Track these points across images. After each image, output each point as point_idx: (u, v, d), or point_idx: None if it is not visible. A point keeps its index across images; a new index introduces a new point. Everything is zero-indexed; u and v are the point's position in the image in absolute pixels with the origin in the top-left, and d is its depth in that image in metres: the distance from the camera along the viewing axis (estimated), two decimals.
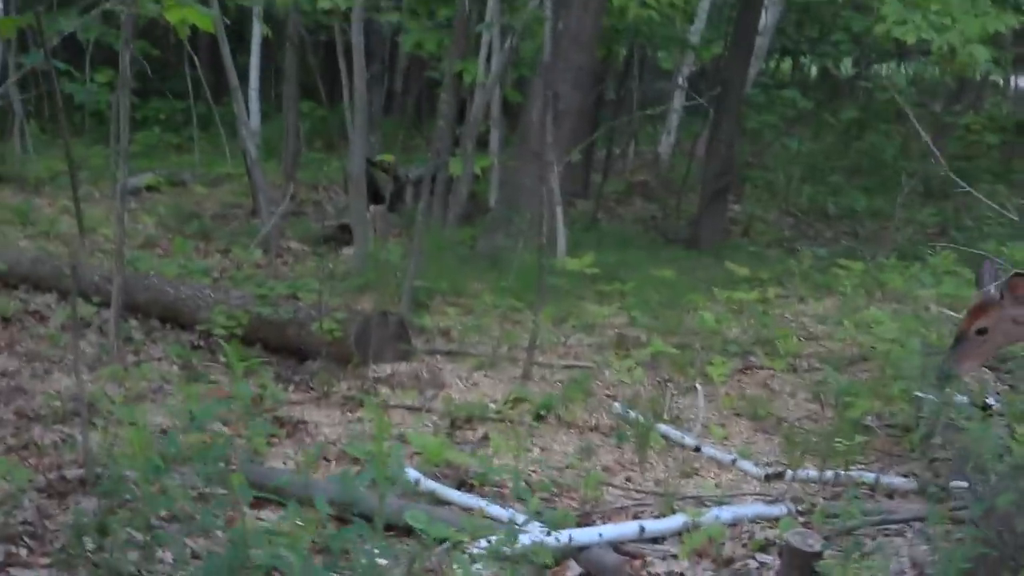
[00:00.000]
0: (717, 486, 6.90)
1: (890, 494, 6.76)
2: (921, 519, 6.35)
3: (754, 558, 5.83)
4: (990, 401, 7.48)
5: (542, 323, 8.79)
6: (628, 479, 7.01)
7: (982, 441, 5.06)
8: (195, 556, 5.29)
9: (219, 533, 4.89)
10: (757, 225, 17.20)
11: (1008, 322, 6.51)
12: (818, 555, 5.35)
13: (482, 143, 14.63)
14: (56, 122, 14.38)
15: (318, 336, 8.34)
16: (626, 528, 6.03)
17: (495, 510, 6.00)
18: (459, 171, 13.15)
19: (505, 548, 4.81)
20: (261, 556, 4.61)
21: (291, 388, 8.07)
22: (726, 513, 6.27)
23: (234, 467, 5.62)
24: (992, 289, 6.60)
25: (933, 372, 6.88)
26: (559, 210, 12.05)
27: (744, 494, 6.75)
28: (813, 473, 6.94)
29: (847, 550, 5.14)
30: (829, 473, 6.87)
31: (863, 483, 6.82)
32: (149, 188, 16.07)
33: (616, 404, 8.04)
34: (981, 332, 6.51)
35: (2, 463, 5.91)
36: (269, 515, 5.78)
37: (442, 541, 5.12)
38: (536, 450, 7.23)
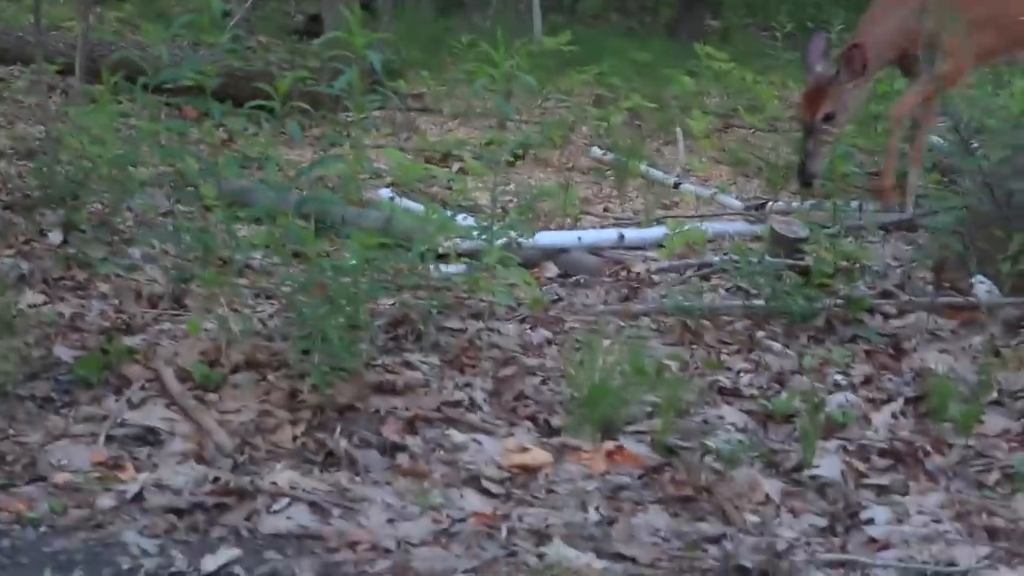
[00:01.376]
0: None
1: None
2: (906, 226, 6.28)
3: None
4: None
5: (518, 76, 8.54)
6: (606, 209, 6.88)
7: (978, 101, 4.93)
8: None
9: (187, 237, 4.68)
10: (736, 35, 16.92)
11: (848, 97, 6.32)
12: (802, 239, 5.26)
13: None
14: None
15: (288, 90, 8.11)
16: (605, 234, 5.92)
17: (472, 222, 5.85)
18: None
19: (478, 242, 4.64)
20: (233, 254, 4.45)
21: (261, 133, 7.87)
22: (708, 227, 6.16)
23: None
24: (820, 68, 6.37)
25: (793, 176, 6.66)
26: None
27: (725, 216, 6.65)
28: (795, 204, 6.81)
29: (831, 235, 5.04)
30: (811, 202, 6.72)
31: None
32: None
33: (594, 148, 7.89)
34: (828, 118, 6.30)
35: None
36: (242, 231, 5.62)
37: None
38: (513, 185, 7.08)
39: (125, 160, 5.36)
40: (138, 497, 3.11)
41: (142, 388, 3.75)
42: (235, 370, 3.89)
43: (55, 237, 5.26)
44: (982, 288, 4.86)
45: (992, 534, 3.24)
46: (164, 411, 3.60)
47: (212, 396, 3.75)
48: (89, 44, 8.50)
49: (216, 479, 3.21)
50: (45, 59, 8.52)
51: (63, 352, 3.93)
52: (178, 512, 3.05)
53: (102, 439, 3.41)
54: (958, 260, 5.03)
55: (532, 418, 3.81)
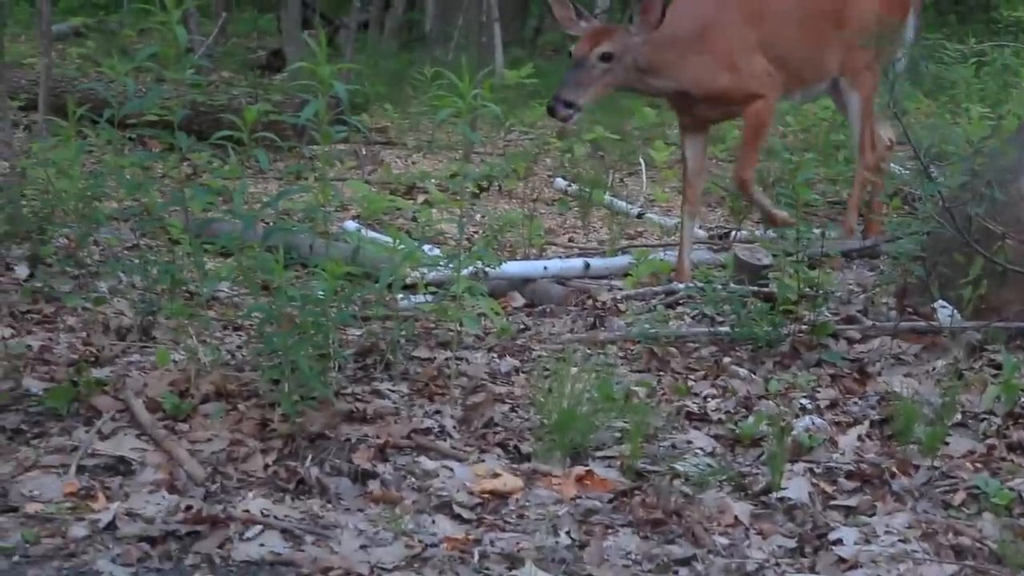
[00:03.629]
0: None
1: None
2: (867, 253, 6.33)
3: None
4: None
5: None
6: (571, 239, 6.92)
7: (937, 129, 4.98)
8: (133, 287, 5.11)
9: (154, 270, 4.69)
10: None
11: (636, 53, 5.79)
12: (766, 267, 5.31)
13: None
14: None
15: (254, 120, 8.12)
16: (571, 263, 5.95)
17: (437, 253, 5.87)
18: None
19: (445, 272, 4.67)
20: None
21: (227, 167, 7.87)
22: (672, 255, 6.20)
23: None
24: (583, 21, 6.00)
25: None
26: (496, 26, 11.87)
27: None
28: (759, 233, 6.85)
29: (794, 265, 5.07)
30: (774, 232, 6.77)
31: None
32: (78, 34, 15.65)
33: (558, 179, 7.94)
34: (605, 58, 5.76)
35: None
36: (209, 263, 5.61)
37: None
38: (478, 216, 7.12)
39: (90, 194, 5.34)
40: (110, 526, 3.11)
41: (112, 419, 3.76)
42: (205, 400, 3.90)
43: (21, 271, 5.27)
44: (944, 312, 4.91)
45: (959, 553, 3.28)
46: (135, 441, 3.62)
47: (182, 426, 3.77)
48: (52, 80, 8.50)
49: (188, 507, 3.22)
50: (8, 95, 8.53)
51: (32, 384, 3.94)
52: (151, 540, 3.06)
53: (73, 469, 3.42)
54: (920, 285, 5.08)
55: (502, 444, 3.83)
